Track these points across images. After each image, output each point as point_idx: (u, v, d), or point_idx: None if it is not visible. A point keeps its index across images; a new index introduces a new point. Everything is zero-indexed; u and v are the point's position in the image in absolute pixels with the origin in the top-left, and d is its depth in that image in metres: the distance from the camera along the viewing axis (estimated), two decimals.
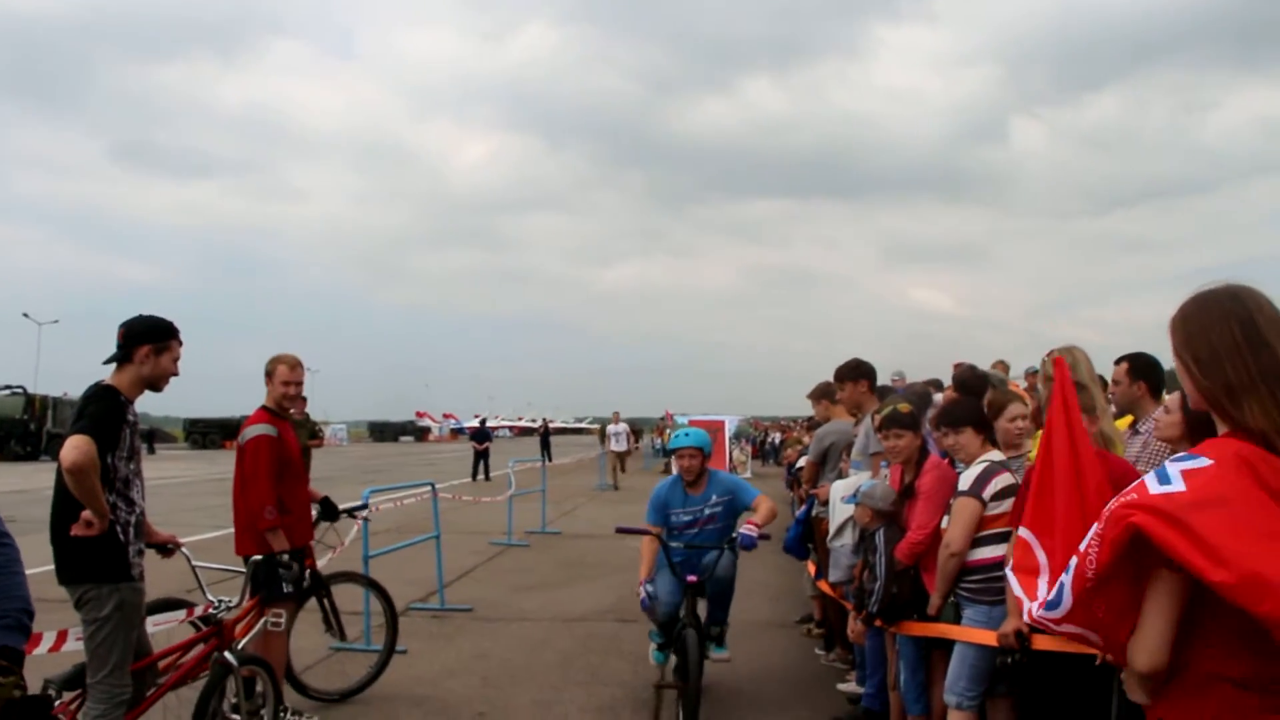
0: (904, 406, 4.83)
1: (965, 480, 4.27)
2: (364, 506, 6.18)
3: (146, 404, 4.31)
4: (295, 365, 5.58)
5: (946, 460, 4.82)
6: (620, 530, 5.95)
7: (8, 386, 40.68)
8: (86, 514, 3.80)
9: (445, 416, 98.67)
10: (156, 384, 4.22)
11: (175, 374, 4.27)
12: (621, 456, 27.00)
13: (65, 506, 3.94)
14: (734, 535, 5.67)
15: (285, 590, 5.17)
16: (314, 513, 5.90)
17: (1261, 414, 1.95)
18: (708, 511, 5.87)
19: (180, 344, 4.27)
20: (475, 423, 33.88)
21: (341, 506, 6.28)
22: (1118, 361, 5.37)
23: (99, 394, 4.06)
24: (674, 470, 6.07)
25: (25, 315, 58.87)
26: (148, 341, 4.14)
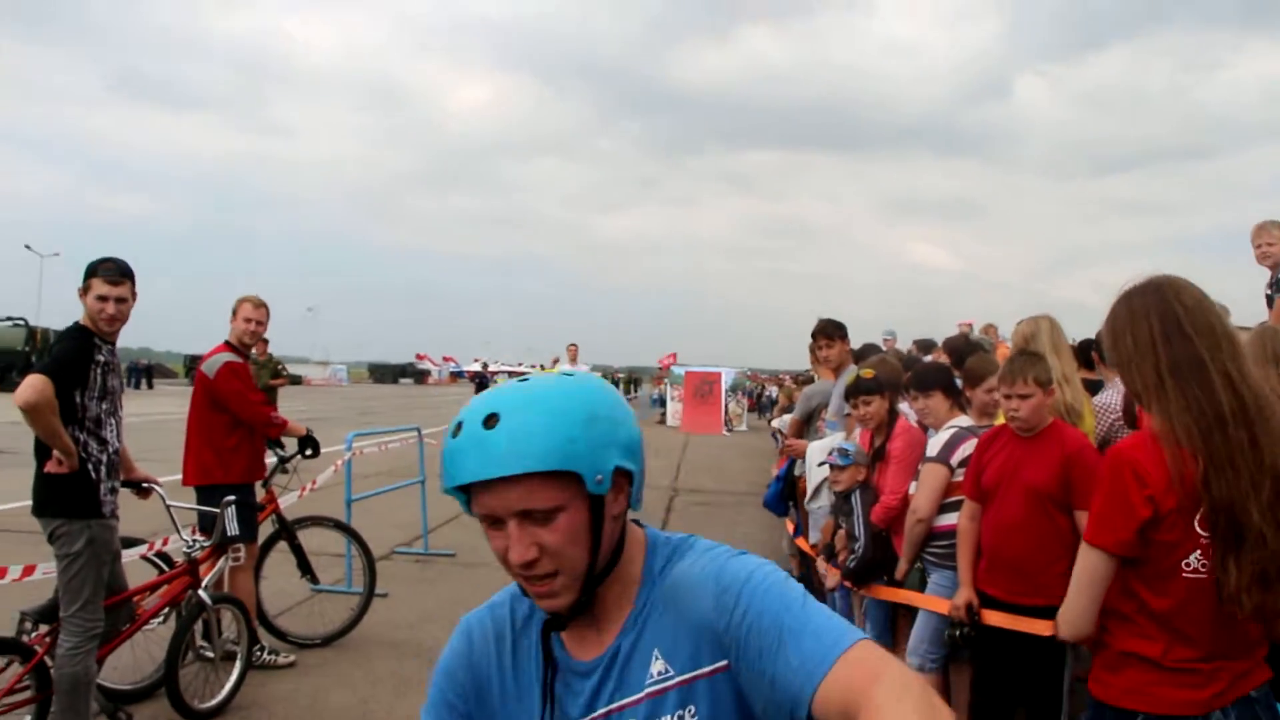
0: (867, 372, 4.84)
1: (933, 446, 4.30)
2: (309, 450, 5.90)
3: (149, 339, 4.26)
4: (259, 305, 5.65)
5: (916, 424, 4.84)
6: None
7: (9, 318, 40.74)
8: (57, 453, 3.87)
9: (445, 360, 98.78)
10: (97, 324, 4.14)
11: (107, 312, 4.10)
12: None
13: (43, 444, 4.00)
14: None
15: (252, 531, 5.27)
16: (290, 449, 5.97)
17: (1160, 416, 2.08)
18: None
19: (110, 281, 4.10)
20: (476, 367, 33.88)
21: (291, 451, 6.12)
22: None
23: (68, 333, 4.10)
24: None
25: (27, 247, 58.78)
26: (82, 282, 4.14)
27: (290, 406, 20.15)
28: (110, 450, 4.17)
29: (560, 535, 1.25)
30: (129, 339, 4.31)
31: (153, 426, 19.76)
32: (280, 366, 14.04)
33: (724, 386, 30.41)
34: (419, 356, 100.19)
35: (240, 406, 5.30)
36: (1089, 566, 2.14)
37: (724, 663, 1.28)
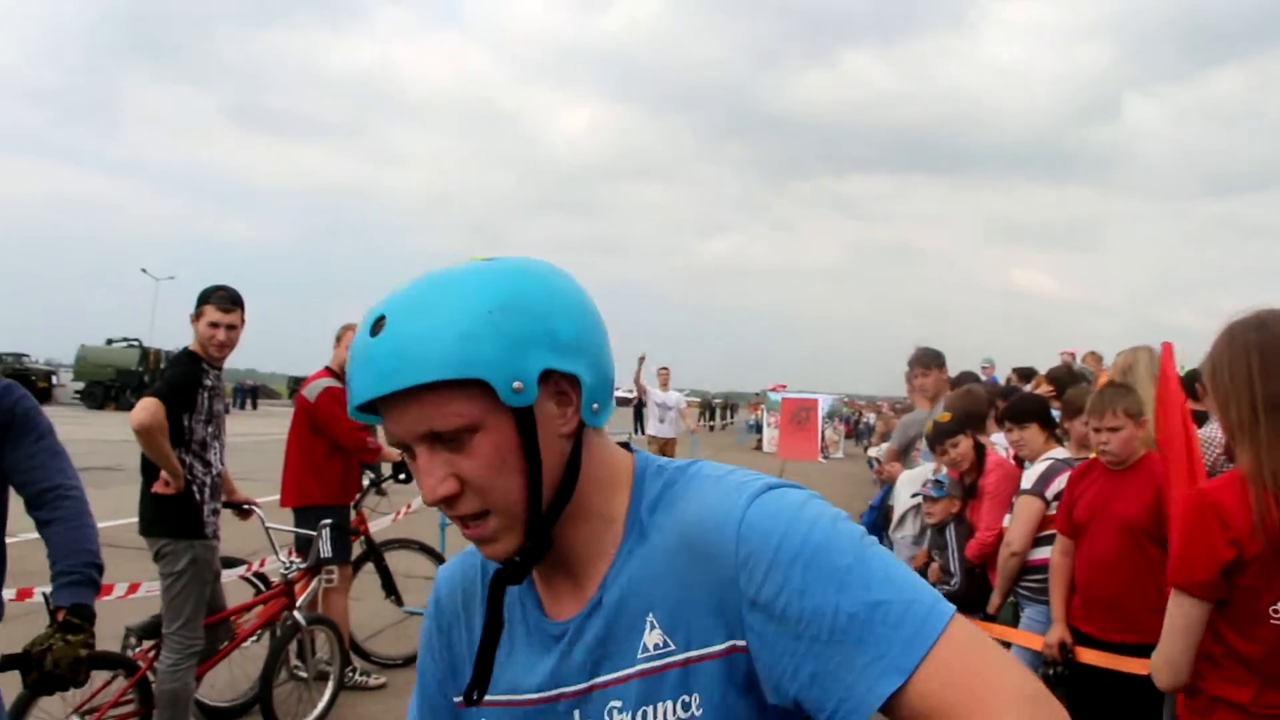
0: (943, 416, 4.73)
1: (1028, 478, 4.18)
2: (402, 474, 6.06)
3: (255, 360, 4.41)
4: None
5: (1010, 457, 4.72)
6: None
7: (125, 339, 42.62)
8: (164, 474, 4.04)
9: None
10: (207, 350, 4.27)
11: (218, 339, 4.23)
12: (666, 445, 14.06)
13: (150, 464, 4.18)
14: None
15: (345, 552, 5.41)
16: (385, 472, 6.11)
17: (1250, 455, 2.00)
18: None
19: (221, 309, 4.23)
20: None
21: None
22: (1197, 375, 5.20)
23: (178, 358, 4.29)
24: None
25: (143, 271, 61.44)
26: (194, 308, 4.28)
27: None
28: (214, 473, 4.32)
29: (478, 461, 0.98)
30: (236, 360, 4.47)
31: (254, 446, 20.36)
32: None
33: (820, 413, 30.09)
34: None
35: (338, 431, 5.43)
36: (1177, 611, 2.09)
37: (742, 642, 0.98)
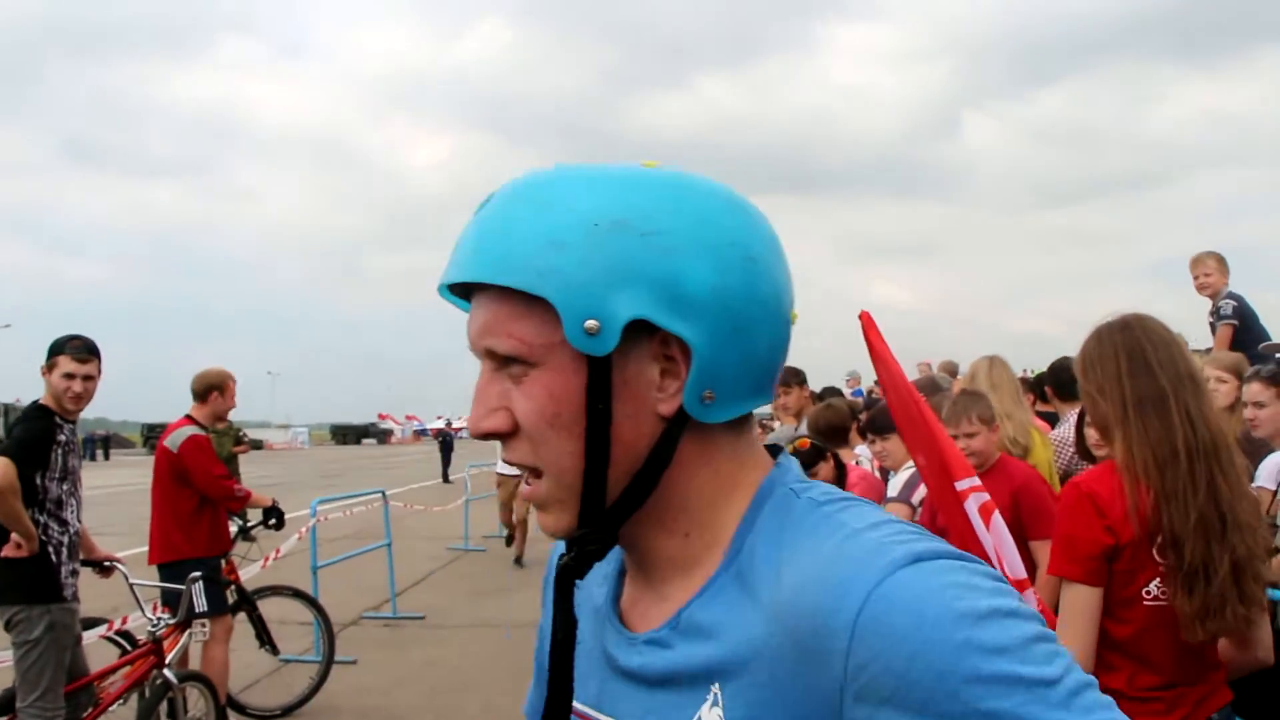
0: (802, 442, 4.84)
1: (894, 486, 4.35)
2: (273, 520, 5.82)
3: (105, 409, 4.23)
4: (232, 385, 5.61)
5: (875, 469, 4.91)
6: None
7: None
8: (15, 536, 3.82)
9: (408, 418, 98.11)
10: (61, 403, 4.10)
11: (73, 391, 4.07)
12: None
13: (1, 527, 3.94)
14: None
15: (221, 603, 5.21)
16: (254, 519, 5.92)
17: (1122, 447, 2.14)
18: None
19: (78, 359, 4.07)
20: (439, 424, 33.67)
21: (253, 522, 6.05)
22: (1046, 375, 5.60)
23: (28, 413, 4.08)
24: None
25: None
26: (46, 360, 4.10)
27: (252, 472, 19.87)
28: (71, 531, 4.12)
29: (530, 405, 0.77)
30: (85, 409, 4.26)
31: (110, 499, 19.43)
32: (240, 434, 13.91)
33: None
34: (381, 416, 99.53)
35: (204, 482, 5.23)
36: (1070, 600, 2.17)
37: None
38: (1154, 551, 2.10)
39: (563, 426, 0.76)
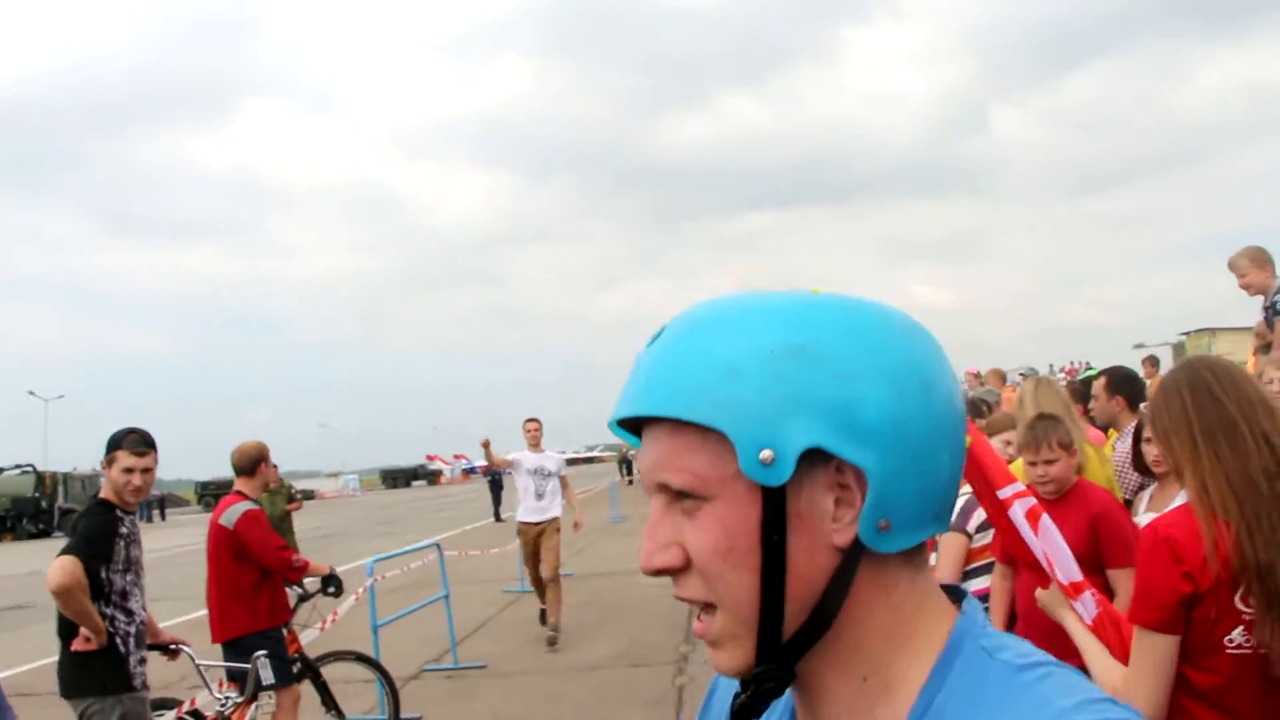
0: None
1: None
2: (331, 588, 5.91)
3: (159, 469, 4.26)
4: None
5: None
6: None
7: (17, 466, 40.91)
8: (84, 630, 3.90)
9: (456, 457, 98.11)
10: (122, 496, 4.17)
11: (133, 485, 4.15)
12: (540, 536, 10.20)
13: (67, 621, 4.03)
14: None
15: (288, 674, 5.27)
16: (315, 587, 5.98)
17: (1194, 482, 2.09)
18: None
19: (136, 453, 4.15)
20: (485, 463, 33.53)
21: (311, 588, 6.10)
22: (1096, 376, 5.44)
23: (90, 509, 4.17)
24: None
25: (31, 393, 59.26)
26: (105, 454, 4.19)
27: (306, 524, 20.10)
28: (137, 620, 4.20)
29: (704, 539, 0.76)
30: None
31: (167, 561, 19.68)
32: (293, 491, 14.04)
33: None
34: (430, 457, 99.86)
35: (264, 555, 5.31)
36: (1145, 649, 2.12)
37: None
38: (1236, 599, 2.03)
39: (737, 560, 0.75)
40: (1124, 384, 4.88)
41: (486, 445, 9.78)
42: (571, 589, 13.40)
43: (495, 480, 28.80)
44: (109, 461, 4.14)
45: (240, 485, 5.55)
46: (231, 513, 5.39)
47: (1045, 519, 2.41)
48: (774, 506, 0.73)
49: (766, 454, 0.71)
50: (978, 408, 5.54)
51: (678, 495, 0.77)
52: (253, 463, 5.55)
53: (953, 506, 0.80)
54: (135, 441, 4.15)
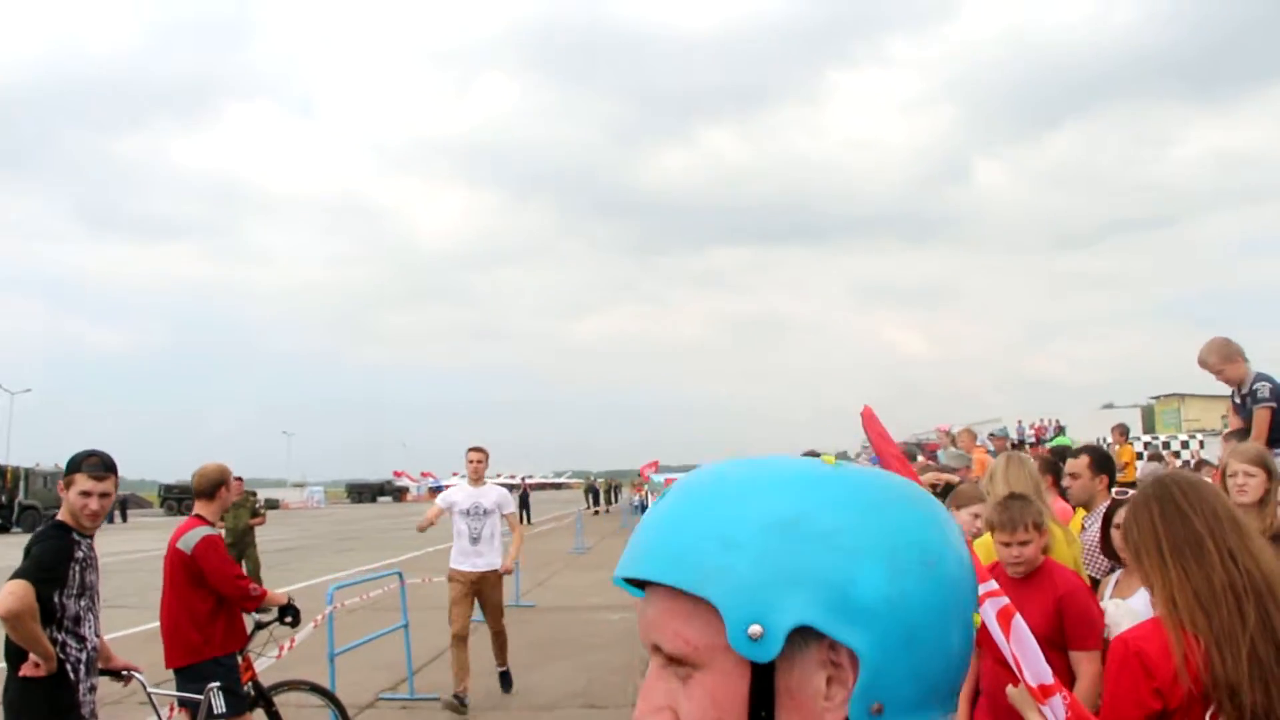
0: None
1: None
2: (289, 618, 5.75)
3: (121, 469, 4.17)
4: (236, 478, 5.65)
5: None
6: None
7: None
8: (33, 656, 3.82)
9: (423, 475, 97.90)
10: (79, 520, 4.07)
11: (90, 509, 4.05)
12: (483, 585, 8.83)
13: (15, 646, 3.93)
14: None
15: (240, 704, 5.19)
16: (271, 616, 5.89)
17: (1162, 597, 2.11)
18: None
19: (95, 477, 4.05)
20: (455, 481, 33.46)
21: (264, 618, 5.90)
22: (1075, 454, 5.47)
23: (45, 532, 4.07)
24: None
25: None
26: (64, 476, 4.10)
27: (268, 535, 19.84)
28: (89, 647, 4.11)
29: (692, 706, 0.75)
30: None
31: (126, 567, 19.39)
32: (256, 505, 13.90)
33: None
34: (396, 474, 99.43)
35: (220, 582, 5.23)
36: None
37: None
38: (1207, 717, 2.01)
39: None
40: (1107, 464, 4.94)
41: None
42: (531, 621, 13.32)
43: None
44: (67, 484, 4.04)
45: (200, 509, 5.45)
46: (190, 537, 5.30)
47: (1017, 620, 2.41)
48: (762, 682, 0.72)
49: (755, 629, 0.70)
50: (913, 455, 5.57)
51: (670, 659, 0.76)
52: (213, 486, 5.46)
53: (954, 691, 0.78)
54: (95, 465, 4.07)
